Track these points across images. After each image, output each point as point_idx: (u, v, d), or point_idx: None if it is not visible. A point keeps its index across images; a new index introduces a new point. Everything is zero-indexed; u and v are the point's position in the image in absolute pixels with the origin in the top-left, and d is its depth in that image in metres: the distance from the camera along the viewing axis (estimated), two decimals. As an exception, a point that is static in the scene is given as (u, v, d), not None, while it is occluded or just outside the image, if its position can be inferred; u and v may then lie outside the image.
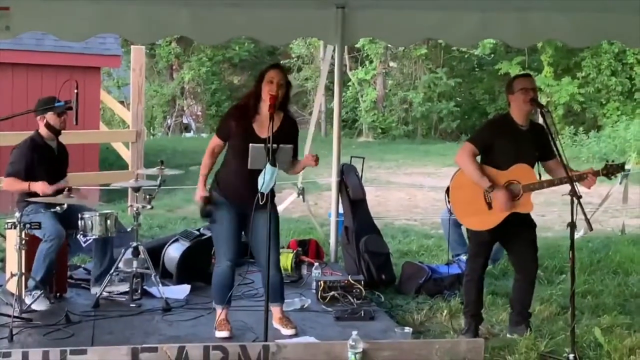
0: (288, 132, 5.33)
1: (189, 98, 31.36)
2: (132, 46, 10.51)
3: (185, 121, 31.98)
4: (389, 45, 25.74)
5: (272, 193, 5.32)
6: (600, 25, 7.20)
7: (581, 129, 22.21)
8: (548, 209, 10.56)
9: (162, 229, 9.76)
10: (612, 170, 5.38)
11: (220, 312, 5.49)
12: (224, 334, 5.37)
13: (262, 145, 4.97)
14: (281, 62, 29.55)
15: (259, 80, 5.30)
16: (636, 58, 23.71)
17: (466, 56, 27.87)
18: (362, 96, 26.87)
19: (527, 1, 6.87)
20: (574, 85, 23.91)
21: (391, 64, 28.43)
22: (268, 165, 4.89)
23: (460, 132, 27.07)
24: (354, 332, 4.97)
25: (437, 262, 7.73)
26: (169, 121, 30.23)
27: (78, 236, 6.98)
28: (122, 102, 16.22)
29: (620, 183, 9.83)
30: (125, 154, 11.78)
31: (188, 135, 30.65)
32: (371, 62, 26.74)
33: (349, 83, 27.06)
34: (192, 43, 28.41)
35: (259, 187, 4.92)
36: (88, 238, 7.45)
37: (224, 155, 5.49)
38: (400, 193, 13.72)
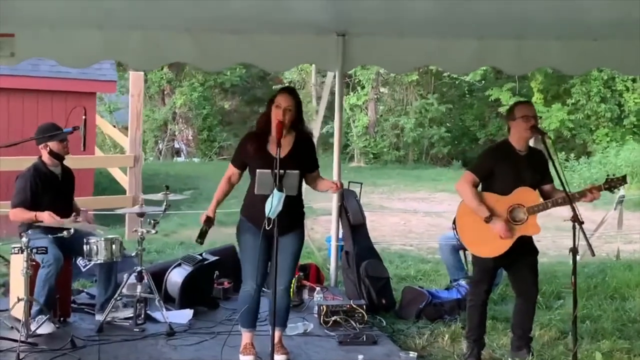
0: (303, 151, 5.41)
1: (181, 123, 31.44)
2: (130, 72, 10.59)
3: (176, 146, 32.03)
4: (380, 71, 25.95)
5: (301, 217, 5.46)
6: (595, 52, 7.31)
7: (572, 155, 22.39)
8: (542, 235, 10.62)
9: (160, 253, 9.78)
10: (613, 183, 5.45)
11: (245, 336, 5.52)
12: (249, 358, 5.42)
13: (269, 171, 5.01)
14: (272, 87, 29.80)
15: (270, 104, 5.38)
16: (625, 85, 23.97)
17: (457, 82, 28.07)
18: (354, 121, 27.02)
19: (522, 29, 6.97)
20: (564, 112, 24.13)
21: (382, 89, 28.63)
22: (275, 191, 4.93)
23: (451, 158, 27.24)
24: (360, 357, 5.03)
25: (436, 287, 7.77)
26: (160, 146, 30.27)
27: (78, 261, 7.03)
28: (113, 127, 16.27)
29: (615, 209, 9.93)
30: (121, 178, 11.80)
31: (179, 159, 30.70)
32: (363, 87, 26.91)
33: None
34: (184, 68, 28.56)
35: (267, 212, 4.95)
36: (87, 263, 7.53)
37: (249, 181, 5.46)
38: (395, 218, 13.79)
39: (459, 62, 7.58)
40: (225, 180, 5.51)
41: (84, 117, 5.62)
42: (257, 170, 5.09)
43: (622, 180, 5.51)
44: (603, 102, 24.26)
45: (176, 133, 31.48)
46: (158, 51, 7.10)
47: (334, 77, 7.77)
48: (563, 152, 23.10)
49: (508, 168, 5.50)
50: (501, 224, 5.35)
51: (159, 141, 30.36)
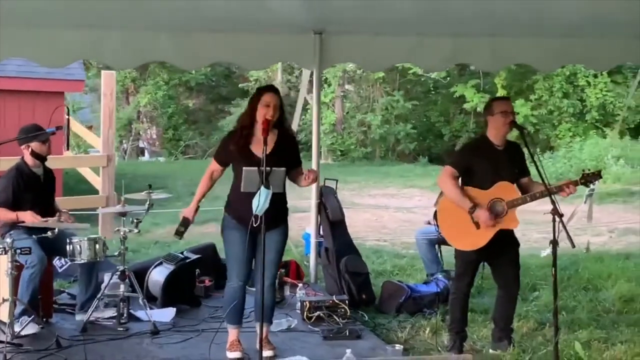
0: (286, 148, 5.44)
1: (145, 122, 31.29)
2: (102, 71, 10.55)
3: (141, 145, 31.87)
4: (347, 69, 26.07)
5: (285, 213, 5.49)
6: (568, 49, 7.48)
7: (537, 150, 22.69)
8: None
9: (136, 253, 9.73)
10: (589, 178, 5.58)
11: (231, 333, 5.54)
12: (236, 354, 5.44)
13: (255, 168, 5.05)
14: (239, 85, 29.82)
15: (254, 102, 5.38)
16: (587, 80, 24.41)
17: (422, 79, 28.31)
18: (320, 119, 27.06)
19: (496, 27, 7.08)
20: (527, 107, 24.48)
21: (348, 86, 28.75)
22: (262, 188, 4.97)
23: (417, 154, 27.46)
24: (348, 351, 5.10)
25: (412, 281, 7.86)
26: (125, 145, 30.08)
27: (54, 261, 7.00)
28: (88, 128, 16.13)
29: (585, 202, 10.12)
30: (92, 178, 11.70)
31: (144, 159, 30.56)
32: (329, 85, 27.01)
33: (307, 106, 27.26)
34: (148, 67, 28.41)
35: (254, 210, 4.99)
36: (63, 264, 7.51)
37: (232, 179, 5.50)
38: (367, 214, 13.88)
39: (435, 59, 7.70)
40: (207, 176, 5.54)
41: (66, 116, 5.61)
42: (244, 168, 5.12)
43: (597, 174, 5.64)
44: (565, 97, 24.68)
45: (141, 132, 31.33)
46: (136, 50, 7.12)
47: (311, 74, 7.82)
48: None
49: (486, 163, 5.58)
50: (485, 214, 5.43)
51: (124, 141, 30.17)
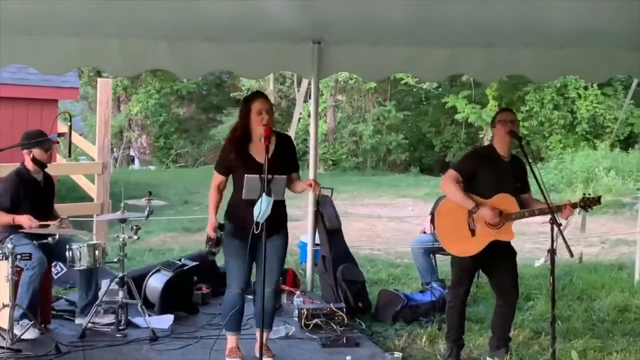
0: (285, 152, 5.46)
1: (137, 130, 31.26)
2: (98, 79, 10.57)
3: (132, 154, 31.83)
4: (339, 79, 26.14)
5: (285, 218, 5.50)
6: (563, 60, 7.55)
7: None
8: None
9: (130, 260, 9.69)
10: (589, 202, 5.65)
11: (230, 340, 5.56)
12: None
13: (257, 176, 5.08)
14: (230, 94, 29.85)
15: (246, 110, 5.37)
16: (577, 92, 24.54)
17: (414, 90, 28.39)
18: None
19: (492, 37, 7.14)
20: (518, 119, 24.55)
21: (339, 97, 28.82)
22: (264, 195, 5.00)
23: (408, 164, 27.52)
24: (348, 358, 5.14)
25: (408, 290, 7.89)
26: (116, 154, 30.02)
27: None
28: (80, 135, 16.09)
29: (579, 213, 10.15)
30: (86, 185, 11.70)
31: (134, 167, 30.50)
32: (321, 95, 27.05)
33: (299, 116, 27.30)
34: (140, 75, 28.40)
35: (255, 217, 5.02)
36: (59, 271, 7.53)
37: (233, 188, 5.51)
38: (360, 223, 13.90)
39: (431, 69, 7.76)
40: (214, 189, 5.52)
41: (69, 123, 5.63)
42: (246, 176, 5.15)
43: (597, 200, 5.71)
44: (556, 109, 24.80)
45: (132, 141, 31.29)
46: (135, 58, 7.14)
47: (309, 83, 7.88)
48: (520, 159, 23.47)
49: (490, 172, 5.63)
50: (489, 211, 5.47)
51: (115, 149, 30.10)
